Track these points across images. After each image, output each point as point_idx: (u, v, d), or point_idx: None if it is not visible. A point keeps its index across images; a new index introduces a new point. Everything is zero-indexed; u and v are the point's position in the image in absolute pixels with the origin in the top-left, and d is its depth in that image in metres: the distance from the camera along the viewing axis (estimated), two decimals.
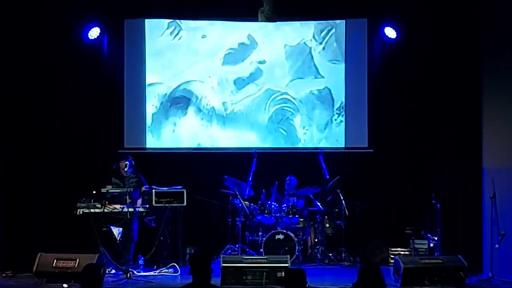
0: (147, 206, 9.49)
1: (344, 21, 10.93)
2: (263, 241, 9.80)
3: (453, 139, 9.93)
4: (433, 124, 10.21)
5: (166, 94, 11.01)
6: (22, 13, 9.89)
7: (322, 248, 10.17)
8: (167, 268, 9.33)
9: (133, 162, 9.80)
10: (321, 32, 10.96)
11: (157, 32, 11.00)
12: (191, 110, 11.01)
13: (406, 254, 9.76)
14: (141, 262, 9.50)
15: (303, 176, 10.54)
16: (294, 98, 11.01)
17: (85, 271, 5.67)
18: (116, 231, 9.20)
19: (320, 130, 10.98)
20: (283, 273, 7.98)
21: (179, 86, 11.02)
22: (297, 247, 9.82)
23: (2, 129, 9.91)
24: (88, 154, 10.45)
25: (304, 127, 11.02)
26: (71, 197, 9.47)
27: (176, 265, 9.37)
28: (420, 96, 10.41)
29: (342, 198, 10.17)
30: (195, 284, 5.46)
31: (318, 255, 10.13)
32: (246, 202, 10.15)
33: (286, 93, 11.03)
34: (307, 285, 7.97)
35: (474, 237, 9.48)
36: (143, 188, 9.84)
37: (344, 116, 10.92)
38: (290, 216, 10.15)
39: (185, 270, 9.48)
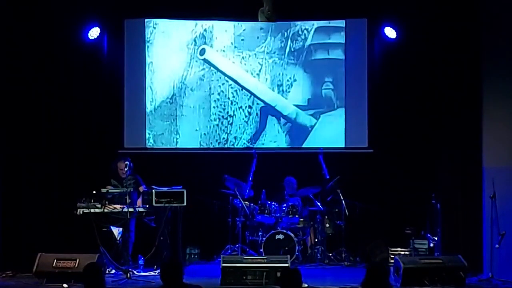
0: (147, 206, 9.49)
1: (344, 21, 10.94)
2: (263, 241, 9.81)
3: (453, 139, 9.92)
4: (433, 124, 10.20)
5: (166, 93, 11.00)
6: (22, 13, 9.89)
7: (322, 248, 10.17)
8: None
9: (131, 163, 9.79)
10: (321, 32, 10.98)
11: (157, 32, 11.00)
12: (191, 109, 11.01)
13: (406, 254, 9.73)
14: (141, 262, 9.49)
15: (303, 176, 10.54)
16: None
17: (86, 270, 5.67)
18: (116, 231, 9.20)
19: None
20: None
21: (179, 86, 11.01)
22: (297, 247, 9.82)
23: (2, 129, 9.90)
24: (88, 154, 10.44)
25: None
26: (71, 197, 9.47)
27: None
28: (420, 96, 10.40)
29: (342, 198, 10.16)
30: None
31: (318, 255, 10.13)
32: (246, 202, 10.15)
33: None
34: (307, 285, 8.08)
35: (474, 237, 9.47)
36: (141, 189, 9.83)
37: (344, 115, 10.93)
38: (290, 216, 10.14)
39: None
